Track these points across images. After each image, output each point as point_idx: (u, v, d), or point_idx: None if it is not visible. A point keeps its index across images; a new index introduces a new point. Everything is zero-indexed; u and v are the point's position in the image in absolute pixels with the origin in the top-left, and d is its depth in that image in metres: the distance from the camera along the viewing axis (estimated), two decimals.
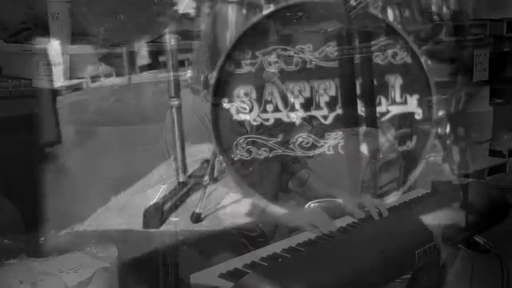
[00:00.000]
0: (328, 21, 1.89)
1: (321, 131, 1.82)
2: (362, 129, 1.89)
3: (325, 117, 1.81)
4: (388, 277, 1.73)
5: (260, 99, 1.77)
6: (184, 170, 1.84)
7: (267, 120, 1.78)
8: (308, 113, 1.80)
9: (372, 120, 1.88)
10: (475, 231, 2.02)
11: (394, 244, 1.80)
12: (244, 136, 1.76)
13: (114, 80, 2.38)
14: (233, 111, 1.74)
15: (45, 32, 2.32)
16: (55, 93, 2.37)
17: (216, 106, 1.74)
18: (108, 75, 2.36)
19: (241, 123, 1.78)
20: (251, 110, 1.76)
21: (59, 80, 2.25)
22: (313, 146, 1.82)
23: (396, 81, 1.87)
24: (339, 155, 1.84)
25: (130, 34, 2.46)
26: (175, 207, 1.80)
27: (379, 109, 1.87)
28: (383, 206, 2.07)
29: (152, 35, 2.46)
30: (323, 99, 1.82)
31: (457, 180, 2.08)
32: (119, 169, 2.40)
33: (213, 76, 1.74)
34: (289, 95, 1.77)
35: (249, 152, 1.77)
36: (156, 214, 1.76)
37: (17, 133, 2.38)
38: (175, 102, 1.83)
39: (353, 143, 1.91)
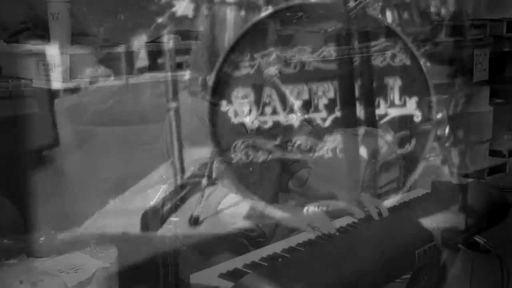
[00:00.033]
0: (328, 21, 1.89)
1: (320, 133, 1.82)
2: (362, 129, 1.89)
3: (324, 120, 1.81)
4: (388, 277, 1.73)
5: (258, 102, 1.77)
6: (182, 172, 1.84)
7: (265, 122, 1.77)
8: (306, 116, 1.80)
9: (372, 121, 1.89)
10: (475, 231, 2.02)
11: (394, 244, 1.80)
12: (242, 139, 1.76)
13: (113, 82, 2.38)
14: (231, 113, 1.74)
15: (45, 32, 2.32)
16: (53, 94, 2.37)
17: (214, 108, 1.74)
18: (106, 77, 2.36)
19: (242, 123, 1.78)
20: (249, 112, 1.76)
21: (59, 81, 2.25)
22: (312, 149, 1.82)
23: (395, 83, 1.87)
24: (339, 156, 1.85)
25: (130, 34, 2.46)
26: (173, 210, 1.80)
27: (378, 112, 1.87)
28: (383, 206, 2.07)
29: (151, 36, 2.46)
30: (322, 102, 1.81)
31: (457, 180, 2.08)
32: (117, 171, 2.40)
33: (211, 78, 1.74)
34: (288, 94, 1.77)
35: (247, 155, 1.77)
36: (154, 217, 1.76)
37: (17, 133, 2.38)
38: (173, 104, 1.82)
39: (353, 143, 1.91)
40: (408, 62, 1.87)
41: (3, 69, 2.48)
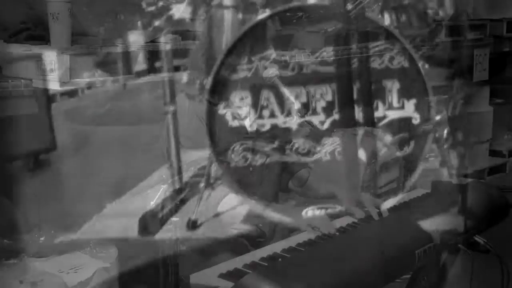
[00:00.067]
0: (328, 21, 1.89)
1: (318, 136, 1.82)
2: (361, 129, 1.88)
3: (322, 123, 1.81)
4: (388, 277, 1.73)
5: (256, 105, 1.77)
6: (180, 176, 1.84)
7: (263, 125, 1.77)
8: (304, 119, 1.79)
9: (371, 121, 1.88)
10: (475, 231, 2.02)
11: (394, 244, 1.80)
12: (240, 142, 1.75)
13: (110, 85, 2.38)
14: (228, 116, 1.74)
15: (45, 32, 2.32)
16: (51, 97, 2.38)
17: (211, 111, 1.74)
18: (103, 81, 2.36)
19: (240, 125, 1.77)
20: (246, 116, 1.76)
21: (59, 81, 2.25)
22: (310, 152, 1.82)
23: (393, 86, 1.87)
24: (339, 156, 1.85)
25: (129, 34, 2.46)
26: (172, 211, 1.80)
27: (377, 114, 1.87)
28: (383, 206, 2.07)
29: (150, 36, 2.46)
30: (320, 104, 1.81)
31: (457, 180, 2.08)
32: (116, 172, 2.40)
33: (208, 81, 1.73)
34: (288, 94, 1.77)
35: (245, 158, 1.77)
36: (152, 220, 1.76)
37: (17, 133, 2.38)
38: (170, 108, 1.82)
39: (352, 142, 1.91)
40: (406, 64, 1.87)
41: (3, 69, 2.48)
